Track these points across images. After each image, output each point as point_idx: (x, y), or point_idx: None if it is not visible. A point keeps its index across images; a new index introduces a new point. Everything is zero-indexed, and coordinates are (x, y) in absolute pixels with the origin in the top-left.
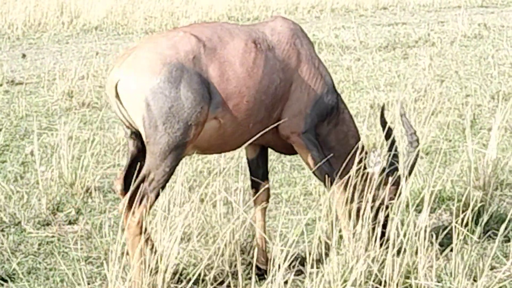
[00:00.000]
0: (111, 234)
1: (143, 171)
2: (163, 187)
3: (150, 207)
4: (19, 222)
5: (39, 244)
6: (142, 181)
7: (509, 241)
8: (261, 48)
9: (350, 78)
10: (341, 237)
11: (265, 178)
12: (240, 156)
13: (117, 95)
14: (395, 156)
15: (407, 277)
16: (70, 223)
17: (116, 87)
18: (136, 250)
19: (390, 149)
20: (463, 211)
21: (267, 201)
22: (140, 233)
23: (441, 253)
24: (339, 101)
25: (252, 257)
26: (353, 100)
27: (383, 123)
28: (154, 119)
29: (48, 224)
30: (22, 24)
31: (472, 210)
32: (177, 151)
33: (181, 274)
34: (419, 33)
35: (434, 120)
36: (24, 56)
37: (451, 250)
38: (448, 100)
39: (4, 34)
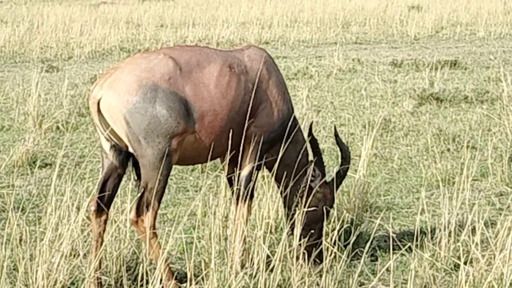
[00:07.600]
0: None
1: (141, 183)
2: (162, 193)
3: (156, 212)
4: None
5: None
6: (144, 192)
7: (377, 260)
8: (235, 71)
9: None
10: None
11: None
12: None
13: (98, 111)
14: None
15: None
16: None
17: (98, 103)
18: (155, 247)
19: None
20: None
21: None
22: (155, 236)
23: (313, 271)
24: (297, 124)
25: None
26: None
27: (313, 140)
28: (136, 135)
29: None
30: None
31: (339, 230)
32: (166, 161)
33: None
34: (298, 66)
35: None
36: None
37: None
38: (323, 129)
39: None
